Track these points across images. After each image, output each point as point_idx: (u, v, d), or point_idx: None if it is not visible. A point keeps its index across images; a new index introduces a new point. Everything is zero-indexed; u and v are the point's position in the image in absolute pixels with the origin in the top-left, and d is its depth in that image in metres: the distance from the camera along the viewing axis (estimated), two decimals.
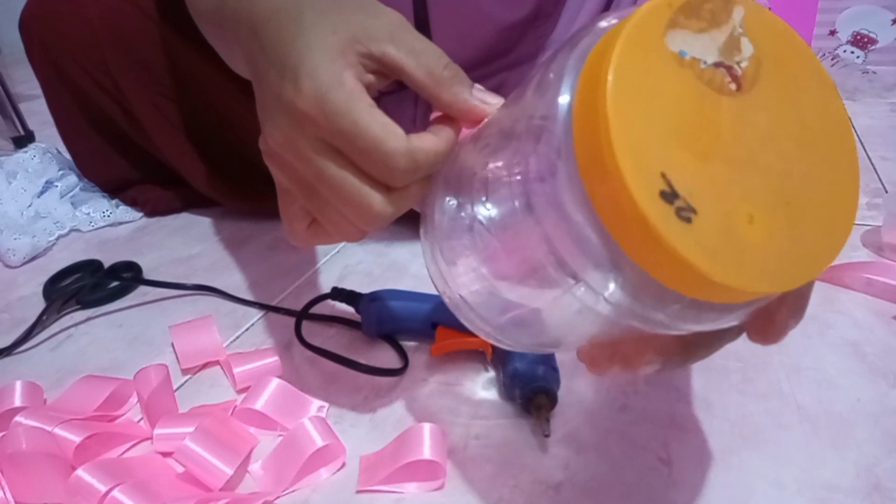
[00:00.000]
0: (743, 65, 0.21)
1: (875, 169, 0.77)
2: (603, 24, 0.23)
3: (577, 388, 0.43)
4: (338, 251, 0.65)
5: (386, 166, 0.29)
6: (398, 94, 0.33)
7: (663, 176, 0.19)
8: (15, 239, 0.68)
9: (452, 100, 0.30)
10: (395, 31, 0.30)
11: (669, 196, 0.19)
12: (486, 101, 0.31)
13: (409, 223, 0.66)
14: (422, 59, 0.30)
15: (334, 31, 0.30)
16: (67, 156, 0.79)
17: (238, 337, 0.52)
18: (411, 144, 0.29)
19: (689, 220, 0.19)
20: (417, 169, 0.29)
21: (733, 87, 0.21)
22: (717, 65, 0.21)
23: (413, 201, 0.32)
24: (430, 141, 0.30)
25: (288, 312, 0.53)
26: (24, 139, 1.14)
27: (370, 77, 0.30)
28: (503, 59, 0.62)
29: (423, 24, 0.57)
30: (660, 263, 0.19)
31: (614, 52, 0.19)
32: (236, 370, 0.45)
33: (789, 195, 0.21)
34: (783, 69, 0.22)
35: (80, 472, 0.34)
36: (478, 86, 0.31)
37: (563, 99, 0.21)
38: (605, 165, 0.19)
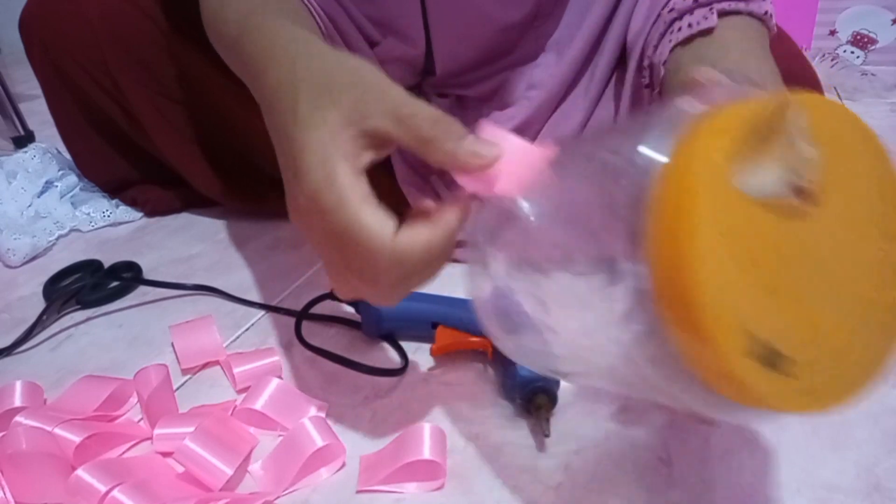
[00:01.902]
0: (811, 180, 0.21)
1: None
2: (685, 106, 0.23)
3: (577, 387, 0.43)
4: None
5: (369, 264, 0.30)
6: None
7: (748, 333, 0.19)
8: (15, 239, 0.67)
9: (444, 160, 0.30)
10: (383, 103, 0.30)
11: (756, 351, 0.19)
12: (479, 154, 0.30)
13: None
14: (410, 124, 0.30)
15: (325, 122, 0.31)
16: (67, 156, 0.79)
17: (238, 337, 0.52)
18: (397, 246, 0.29)
19: (774, 368, 0.20)
20: (402, 270, 0.30)
21: (804, 206, 0.21)
22: (787, 190, 0.21)
23: (401, 294, 0.32)
24: (421, 237, 0.30)
25: (288, 312, 0.53)
26: (24, 139, 1.13)
27: (369, 154, 0.31)
28: (504, 59, 0.61)
29: (424, 26, 0.57)
30: (719, 383, 0.20)
31: (688, 210, 0.20)
32: (236, 370, 0.45)
33: (850, 324, 0.21)
34: (847, 165, 0.22)
35: (80, 472, 0.34)
36: (477, 135, 0.31)
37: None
38: (691, 318, 0.19)
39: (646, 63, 0.50)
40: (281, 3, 0.44)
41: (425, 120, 0.30)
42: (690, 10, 0.46)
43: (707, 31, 0.44)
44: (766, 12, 0.46)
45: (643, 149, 0.22)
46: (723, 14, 0.45)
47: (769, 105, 0.21)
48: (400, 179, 0.61)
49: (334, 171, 0.30)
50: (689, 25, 0.45)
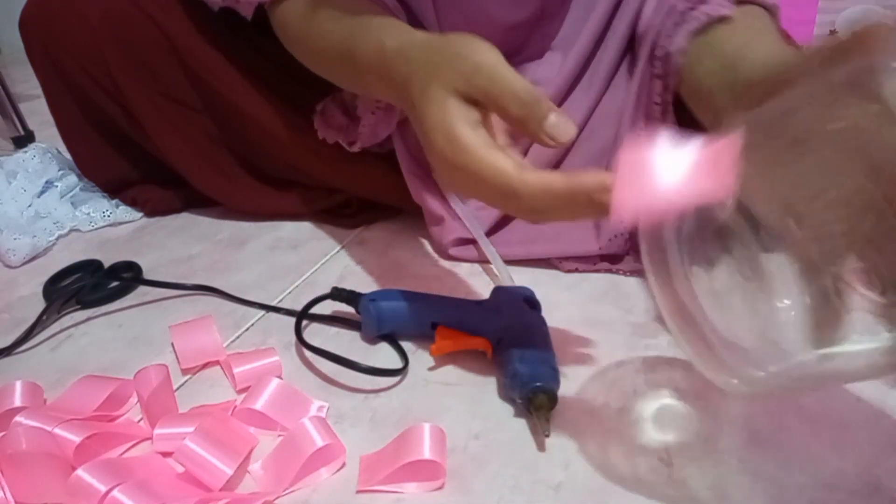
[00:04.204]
0: None
1: None
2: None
3: (577, 387, 0.43)
4: (338, 251, 0.65)
5: (503, 195, 0.35)
6: None
7: None
8: (15, 239, 0.68)
9: (529, 136, 0.36)
10: (477, 78, 0.36)
11: None
12: (555, 138, 0.34)
13: (409, 221, 0.66)
14: (499, 104, 0.36)
15: (431, 99, 0.37)
16: (67, 156, 0.79)
17: (238, 337, 0.52)
18: (523, 177, 0.33)
19: None
20: (529, 204, 0.34)
21: None
22: None
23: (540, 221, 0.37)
24: (544, 177, 0.33)
25: (288, 312, 0.53)
26: (24, 139, 1.13)
27: (478, 109, 0.37)
28: (511, 59, 0.62)
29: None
30: None
31: None
32: (236, 370, 0.45)
33: None
34: None
35: (80, 472, 0.34)
36: (555, 115, 0.35)
37: None
38: None
39: (659, 53, 0.50)
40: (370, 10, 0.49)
41: (512, 101, 0.35)
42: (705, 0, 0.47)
43: (724, 19, 0.46)
44: (774, 3, 0.47)
45: None
46: (736, 3, 0.46)
47: None
48: (404, 170, 0.61)
49: (452, 130, 0.35)
50: (707, 14, 0.46)
